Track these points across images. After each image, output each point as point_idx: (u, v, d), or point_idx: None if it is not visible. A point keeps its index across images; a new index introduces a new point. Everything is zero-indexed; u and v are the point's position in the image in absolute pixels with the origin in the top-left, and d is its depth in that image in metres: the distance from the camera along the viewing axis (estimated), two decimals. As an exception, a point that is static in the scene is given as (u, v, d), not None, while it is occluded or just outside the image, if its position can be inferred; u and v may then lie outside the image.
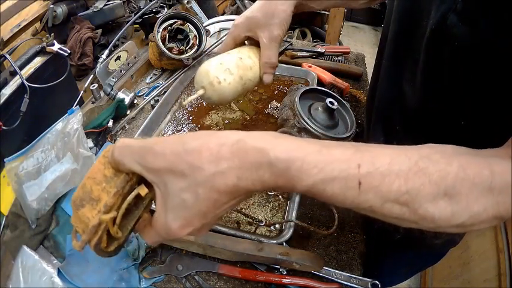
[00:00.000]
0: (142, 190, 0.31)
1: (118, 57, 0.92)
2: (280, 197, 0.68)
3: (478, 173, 0.28)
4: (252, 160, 0.27)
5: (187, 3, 1.16)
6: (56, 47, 0.77)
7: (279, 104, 0.85)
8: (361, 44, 3.43)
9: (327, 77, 0.94)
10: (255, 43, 0.59)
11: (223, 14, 1.52)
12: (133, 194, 0.30)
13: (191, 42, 0.95)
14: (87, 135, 0.73)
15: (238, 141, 0.27)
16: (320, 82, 0.94)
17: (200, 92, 0.52)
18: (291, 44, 1.08)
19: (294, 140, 0.29)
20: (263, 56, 0.55)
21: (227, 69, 0.52)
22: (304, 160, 0.27)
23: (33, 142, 0.66)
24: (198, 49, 0.94)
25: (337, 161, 0.27)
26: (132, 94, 0.87)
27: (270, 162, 0.27)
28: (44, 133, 0.67)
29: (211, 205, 0.28)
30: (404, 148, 0.30)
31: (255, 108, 0.87)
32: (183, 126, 0.83)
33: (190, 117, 0.84)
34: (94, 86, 0.86)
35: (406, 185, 0.28)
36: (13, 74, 0.70)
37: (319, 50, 1.08)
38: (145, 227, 0.33)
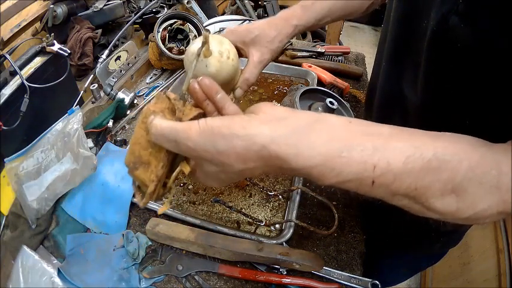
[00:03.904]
0: (186, 168, 0.36)
1: (118, 57, 0.92)
2: (280, 197, 0.68)
3: (486, 173, 0.30)
4: (276, 165, 0.31)
5: (187, 3, 1.16)
6: (56, 47, 0.76)
7: (279, 104, 0.85)
8: (361, 44, 3.43)
9: (327, 77, 0.94)
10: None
11: (223, 14, 1.52)
12: (177, 170, 0.36)
13: (191, 42, 0.95)
14: (87, 135, 0.73)
15: (262, 148, 0.30)
16: (320, 82, 0.94)
17: (206, 46, 0.44)
18: (291, 44, 1.09)
19: (319, 139, 0.30)
20: (247, 71, 0.55)
21: (236, 59, 0.50)
22: (323, 165, 0.30)
23: (33, 142, 0.66)
24: (198, 49, 0.94)
25: (355, 163, 0.30)
26: (132, 94, 0.87)
27: (292, 169, 0.31)
28: (44, 133, 0.67)
29: (242, 178, 0.37)
30: (422, 139, 0.31)
31: (255, 108, 0.86)
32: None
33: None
34: (94, 86, 0.86)
35: (416, 183, 0.30)
36: (13, 74, 0.70)
37: (319, 50, 1.08)
38: (189, 176, 0.40)
